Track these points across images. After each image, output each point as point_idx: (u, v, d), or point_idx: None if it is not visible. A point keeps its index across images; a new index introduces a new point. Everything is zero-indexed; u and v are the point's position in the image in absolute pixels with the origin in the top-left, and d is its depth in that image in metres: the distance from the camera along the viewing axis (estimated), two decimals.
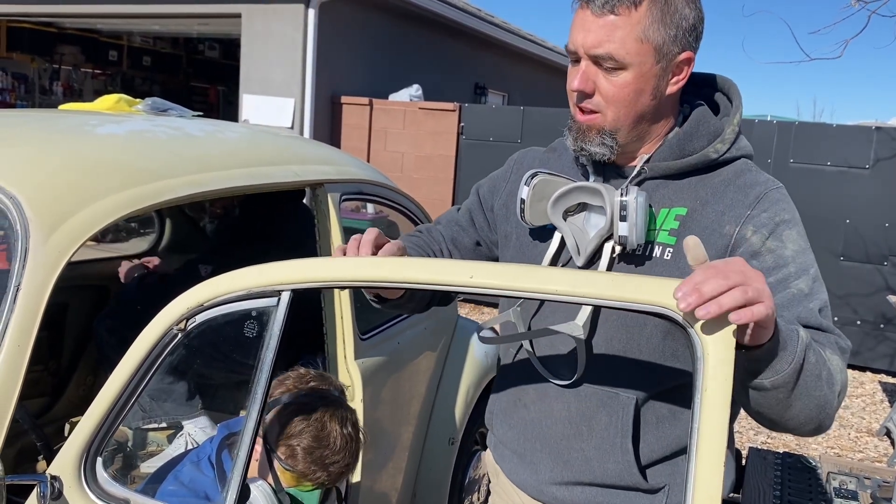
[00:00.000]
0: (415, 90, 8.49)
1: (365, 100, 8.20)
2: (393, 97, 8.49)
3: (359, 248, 1.23)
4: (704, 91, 1.39)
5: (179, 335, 1.18)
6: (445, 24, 9.86)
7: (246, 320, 1.21)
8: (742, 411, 1.22)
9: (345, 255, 1.23)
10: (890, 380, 6.19)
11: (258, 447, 1.56)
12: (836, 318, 6.33)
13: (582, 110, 1.28)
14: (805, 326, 1.11)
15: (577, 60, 1.26)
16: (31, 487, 1.25)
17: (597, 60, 1.23)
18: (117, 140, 1.75)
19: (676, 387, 1.27)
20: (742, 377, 0.99)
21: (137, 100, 2.34)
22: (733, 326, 0.93)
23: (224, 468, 1.62)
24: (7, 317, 1.32)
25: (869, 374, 6.30)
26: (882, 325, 6.22)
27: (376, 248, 1.25)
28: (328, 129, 8.27)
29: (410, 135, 8.06)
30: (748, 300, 0.90)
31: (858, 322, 6.29)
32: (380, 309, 1.43)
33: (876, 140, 6.09)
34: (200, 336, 1.19)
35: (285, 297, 1.12)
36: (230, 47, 13.10)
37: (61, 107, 2.37)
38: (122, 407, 1.21)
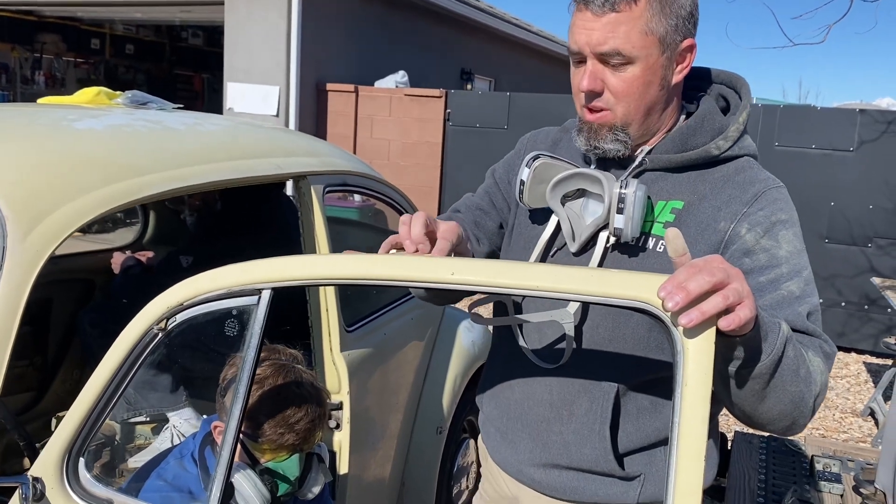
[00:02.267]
0: (400, 76, 8.44)
1: (350, 87, 8.15)
2: (379, 84, 8.44)
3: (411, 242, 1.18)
4: (715, 87, 1.40)
5: (160, 335, 1.17)
6: (430, 9, 9.80)
7: (227, 319, 1.20)
8: None
9: (393, 249, 1.21)
10: (874, 360, 6.26)
11: None
12: (821, 300, 6.38)
13: (591, 110, 1.28)
14: (792, 330, 1.11)
15: (580, 61, 1.27)
16: (13, 487, 1.24)
17: (603, 58, 1.23)
18: (97, 135, 1.73)
19: (659, 379, 1.28)
20: (719, 366, 0.99)
21: (117, 92, 2.31)
22: (714, 323, 0.93)
23: (207, 464, 1.62)
24: None
25: (854, 354, 6.36)
26: (866, 307, 6.28)
27: (428, 238, 1.20)
28: (313, 116, 8.22)
29: (396, 122, 8.03)
30: (730, 305, 0.90)
31: (843, 304, 6.35)
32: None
33: (860, 122, 6.12)
34: (182, 335, 1.18)
35: (266, 295, 1.11)
36: (214, 35, 12.98)
37: (40, 100, 2.34)
38: (103, 407, 1.21)
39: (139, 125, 1.85)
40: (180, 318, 1.16)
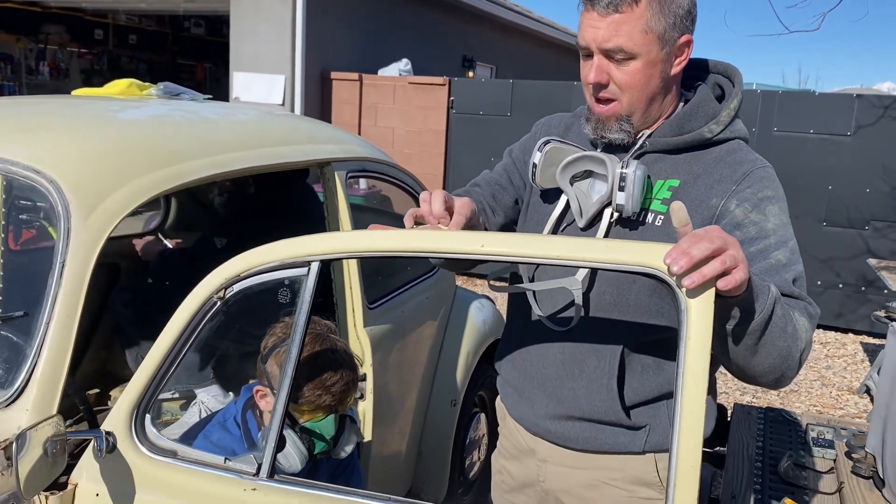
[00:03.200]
0: (404, 64, 8.54)
1: (354, 75, 8.25)
2: (382, 72, 8.55)
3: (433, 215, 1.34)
4: (712, 77, 1.53)
5: (219, 303, 1.31)
6: None
7: (279, 288, 1.33)
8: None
9: (416, 223, 1.36)
10: (871, 340, 6.40)
11: (269, 399, 1.70)
12: (819, 282, 6.54)
13: (599, 100, 1.42)
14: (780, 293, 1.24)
15: (588, 56, 1.40)
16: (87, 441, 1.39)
17: (608, 54, 1.36)
18: (141, 124, 1.87)
19: (660, 340, 1.42)
20: (718, 326, 1.13)
21: (148, 84, 2.44)
22: (713, 284, 1.07)
23: (249, 426, 1.77)
24: (55, 290, 1.45)
25: (851, 335, 6.50)
26: (863, 288, 6.42)
27: (447, 212, 1.35)
28: (318, 105, 8.33)
29: (401, 110, 8.14)
30: (727, 268, 1.04)
31: (841, 285, 6.48)
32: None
33: (857, 108, 6.24)
34: (238, 304, 1.32)
35: (315, 267, 1.25)
36: (216, 24, 13.07)
37: (74, 92, 2.47)
38: (167, 369, 1.35)
39: (178, 115, 1.99)
40: (237, 287, 1.30)
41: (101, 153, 1.65)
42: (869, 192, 6.29)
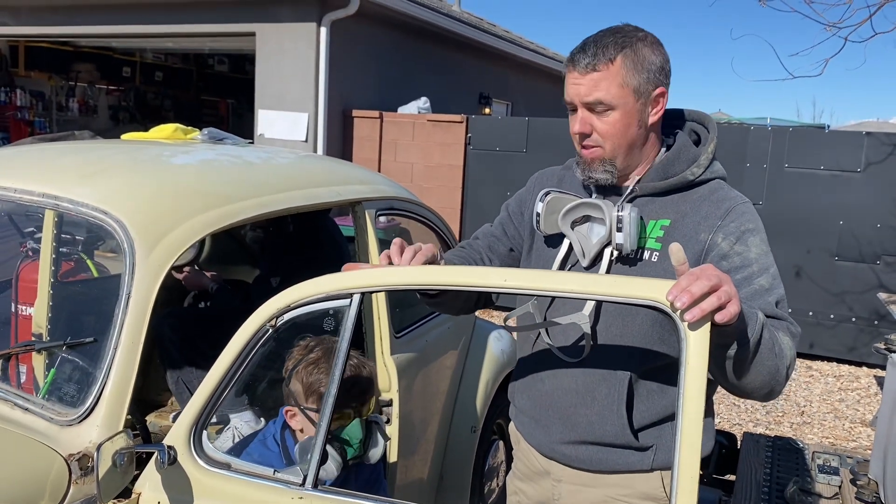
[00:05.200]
0: (423, 102, 8.79)
1: (375, 113, 8.51)
2: (402, 110, 8.80)
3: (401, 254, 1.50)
4: (688, 124, 1.71)
5: (270, 330, 1.47)
6: (450, 36, 10.17)
7: (324, 318, 1.49)
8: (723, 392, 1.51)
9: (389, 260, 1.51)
10: (884, 373, 6.44)
11: (299, 417, 1.84)
12: (832, 316, 6.63)
13: (585, 147, 1.60)
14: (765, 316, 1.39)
15: (574, 110, 1.58)
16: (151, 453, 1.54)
17: (590, 106, 1.55)
18: (193, 168, 2.05)
19: (663, 366, 1.56)
20: (714, 351, 1.28)
21: (192, 129, 2.64)
22: (711, 318, 1.22)
23: (287, 444, 1.92)
24: (122, 319, 1.62)
25: (865, 368, 6.56)
26: (876, 322, 6.49)
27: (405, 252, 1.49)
28: (340, 141, 8.58)
29: (419, 146, 8.36)
30: (722, 303, 1.19)
31: (853, 319, 6.56)
32: (429, 306, 1.73)
33: (867, 144, 6.38)
34: (287, 332, 1.48)
35: (356, 298, 1.41)
36: (240, 61, 13.47)
37: (124, 136, 2.67)
38: (223, 389, 1.51)
39: (224, 159, 2.17)
40: (287, 317, 1.46)
41: (160, 196, 1.83)
42: (880, 227, 6.40)
